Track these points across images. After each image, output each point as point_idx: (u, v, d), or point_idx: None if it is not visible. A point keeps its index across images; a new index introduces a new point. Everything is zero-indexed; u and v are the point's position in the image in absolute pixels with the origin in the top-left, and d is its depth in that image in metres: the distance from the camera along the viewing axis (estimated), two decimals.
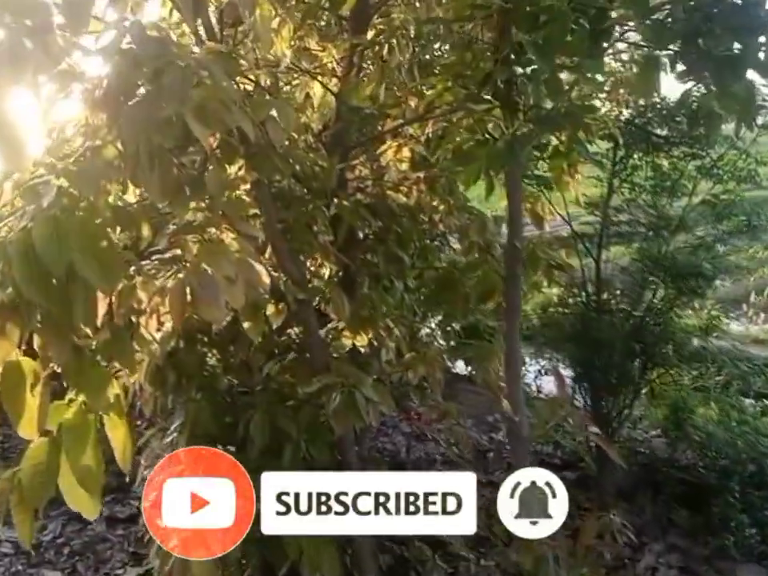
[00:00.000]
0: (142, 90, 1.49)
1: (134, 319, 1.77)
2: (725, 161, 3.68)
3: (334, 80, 2.95)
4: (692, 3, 1.72)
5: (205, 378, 2.76)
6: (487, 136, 1.94)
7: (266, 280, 1.60)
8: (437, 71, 2.40)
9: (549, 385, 4.20)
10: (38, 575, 3.31)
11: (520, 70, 1.85)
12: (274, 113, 1.92)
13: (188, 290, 1.54)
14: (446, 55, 2.25)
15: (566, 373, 3.76)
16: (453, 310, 2.53)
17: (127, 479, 2.02)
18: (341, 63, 2.89)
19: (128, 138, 1.40)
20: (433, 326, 4.08)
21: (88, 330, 1.53)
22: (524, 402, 1.99)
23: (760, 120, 3.18)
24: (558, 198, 3.28)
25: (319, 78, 2.89)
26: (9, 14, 1.29)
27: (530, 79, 1.85)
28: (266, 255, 2.48)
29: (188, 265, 1.60)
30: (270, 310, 2.28)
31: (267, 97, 2.51)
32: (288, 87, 3.11)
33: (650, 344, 3.23)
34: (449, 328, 3.15)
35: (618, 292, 3.39)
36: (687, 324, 3.80)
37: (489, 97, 1.78)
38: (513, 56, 1.78)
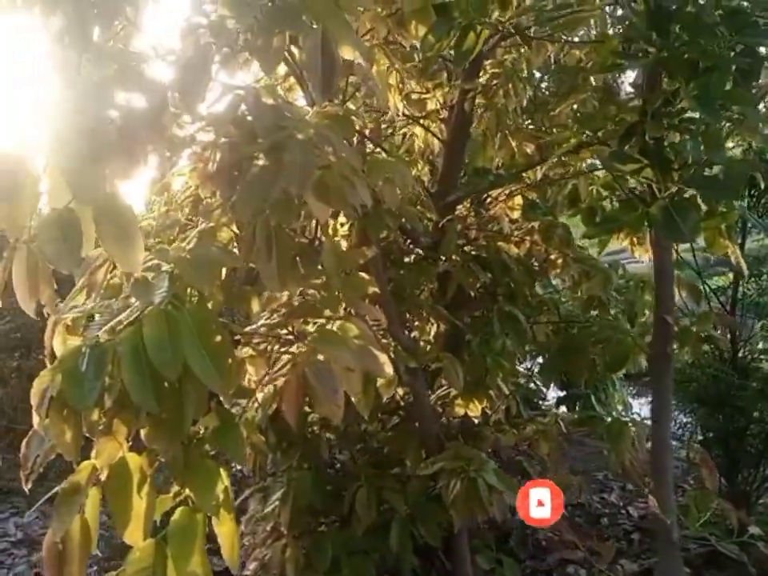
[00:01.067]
0: (256, 163, 1.37)
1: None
2: None
3: (438, 122, 2.80)
4: None
5: (306, 439, 2.64)
6: (630, 194, 1.72)
7: (389, 370, 1.43)
8: (561, 119, 2.18)
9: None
10: None
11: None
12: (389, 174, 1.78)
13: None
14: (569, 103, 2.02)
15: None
16: (576, 378, 2.27)
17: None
18: (446, 107, 2.73)
19: (243, 219, 1.28)
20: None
21: None
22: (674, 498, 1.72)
23: None
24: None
25: (422, 121, 2.75)
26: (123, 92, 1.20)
27: (681, 133, 1.62)
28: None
29: (303, 350, 1.45)
30: (381, 381, 2.11)
31: (376, 151, 2.40)
32: (387, 128, 2.99)
33: None
34: None
35: (759, 349, 3.02)
36: None
37: (635, 154, 1.55)
38: (664, 108, 1.56)
